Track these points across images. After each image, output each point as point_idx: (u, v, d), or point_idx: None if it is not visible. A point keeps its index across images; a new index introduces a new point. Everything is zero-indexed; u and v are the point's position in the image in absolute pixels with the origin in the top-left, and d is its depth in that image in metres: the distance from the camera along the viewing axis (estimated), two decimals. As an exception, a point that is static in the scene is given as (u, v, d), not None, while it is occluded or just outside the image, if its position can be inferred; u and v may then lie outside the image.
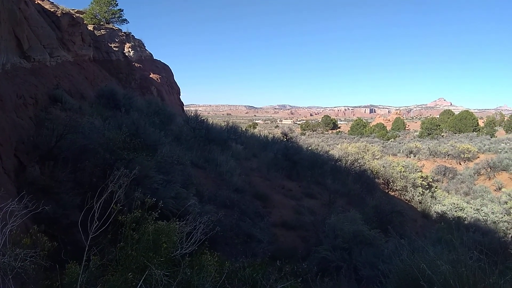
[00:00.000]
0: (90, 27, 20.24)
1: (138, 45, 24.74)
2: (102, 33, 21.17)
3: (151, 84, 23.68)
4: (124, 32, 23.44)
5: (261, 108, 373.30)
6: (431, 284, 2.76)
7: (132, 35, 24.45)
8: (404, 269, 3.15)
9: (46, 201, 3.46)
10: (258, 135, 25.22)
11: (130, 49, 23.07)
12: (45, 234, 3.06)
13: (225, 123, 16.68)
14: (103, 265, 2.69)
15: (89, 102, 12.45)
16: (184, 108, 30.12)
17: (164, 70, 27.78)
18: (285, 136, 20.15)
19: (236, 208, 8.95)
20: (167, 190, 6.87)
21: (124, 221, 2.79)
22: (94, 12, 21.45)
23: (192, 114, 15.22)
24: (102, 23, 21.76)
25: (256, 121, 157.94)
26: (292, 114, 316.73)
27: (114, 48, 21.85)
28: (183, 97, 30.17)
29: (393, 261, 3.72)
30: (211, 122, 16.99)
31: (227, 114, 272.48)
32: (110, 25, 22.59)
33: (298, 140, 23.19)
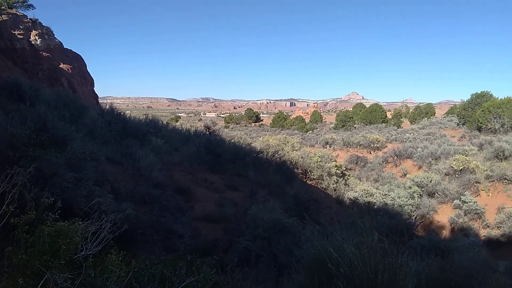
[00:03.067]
0: (-12, 12, 18.09)
1: (46, 33, 22.71)
2: (4, 18, 19.01)
3: (61, 74, 21.94)
4: (30, 19, 21.37)
5: (184, 101, 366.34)
6: (338, 266, 2.93)
7: (39, 22, 22.39)
8: (314, 254, 3.29)
9: None
10: (180, 128, 24.71)
11: (37, 37, 21.11)
12: None
13: (145, 116, 16.06)
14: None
15: (-12, 94, 11.12)
16: (99, 101, 28.48)
17: (76, 60, 25.90)
18: (207, 129, 20.02)
19: (156, 204, 8.65)
20: (79, 188, 6.40)
21: (17, 224, 2.51)
22: (-7, -4, 19.18)
23: (108, 107, 14.38)
24: (3, 7, 19.50)
25: (179, 114, 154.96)
26: (216, 107, 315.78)
27: (18, 36, 19.80)
28: (98, 89, 28.54)
29: (305, 246, 3.88)
30: (129, 115, 16.24)
31: (148, 107, 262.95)
32: (14, 11, 20.37)
33: (221, 133, 23.24)
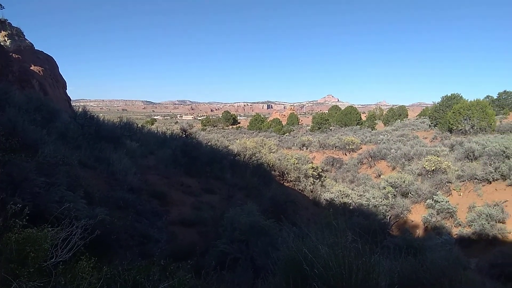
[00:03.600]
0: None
1: (16, 34, 22.02)
2: (-30, 19, 18.34)
3: (32, 77, 21.24)
4: (-1, 19, 20.67)
5: (159, 103, 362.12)
6: (313, 267, 2.96)
7: (9, 23, 21.70)
8: (290, 255, 3.31)
9: None
10: (156, 131, 24.40)
11: (6, 38, 20.45)
12: None
13: (119, 119, 15.75)
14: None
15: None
16: (72, 103, 27.75)
17: (48, 62, 25.16)
18: (184, 132, 19.83)
19: (131, 208, 8.50)
20: (50, 193, 6.21)
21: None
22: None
23: (80, 110, 14.04)
24: (-30, 8, 18.82)
25: (155, 117, 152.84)
26: (192, 109, 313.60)
27: (-15, 37, 19.12)
28: (71, 92, 27.84)
29: (281, 248, 3.89)
30: (103, 118, 15.90)
31: (123, 109, 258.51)
32: (-19, 11, 19.69)
33: (197, 135, 23.07)
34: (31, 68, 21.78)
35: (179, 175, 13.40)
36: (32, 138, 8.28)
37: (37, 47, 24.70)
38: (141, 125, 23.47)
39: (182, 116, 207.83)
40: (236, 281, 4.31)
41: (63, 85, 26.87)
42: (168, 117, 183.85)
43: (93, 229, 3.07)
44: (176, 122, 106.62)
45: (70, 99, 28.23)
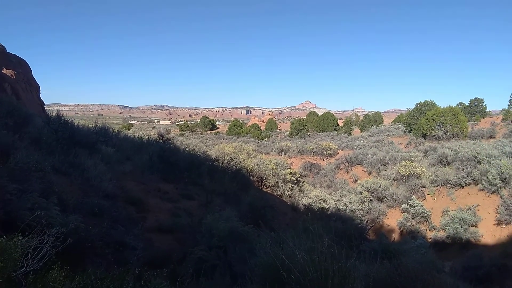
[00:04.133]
0: None
1: (-14, 36, 21.32)
2: None
3: (3, 80, 20.59)
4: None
5: (136, 108, 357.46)
6: (290, 272, 2.97)
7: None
8: (267, 261, 3.32)
9: None
10: (133, 136, 24.01)
11: (-25, 40, 19.76)
12: None
13: (95, 124, 15.44)
14: None
15: None
16: (46, 108, 27.02)
17: (21, 66, 24.46)
18: (161, 137, 19.59)
19: (107, 215, 8.31)
20: (22, 200, 6.02)
21: None
22: None
23: (54, 114, 13.67)
24: None
25: (131, 122, 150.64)
26: (170, 114, 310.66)
27: (-48, 38, 18.43)
28: (45, 96, 27.21)
29: (258, 254, 3.89)
30: (78, 123, 15.53)
31: (98, 114, 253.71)
32: None
33: (175, 141, 22.81)
34: (3, 71, 21.13)
35: (156, 181, 13.21)
36: (3, 143, 8.04)
37: (9, 50, 23.98)
38: (117, 130, 23.08)
39: (159, 121, 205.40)
40: (213, 288, 4.28)
41: (37, 89, 26.17)
42: (145, 122, 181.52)
43: (65, 237, 2.99)
44: (154, 127, 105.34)
45: (44, 104, 27.50)
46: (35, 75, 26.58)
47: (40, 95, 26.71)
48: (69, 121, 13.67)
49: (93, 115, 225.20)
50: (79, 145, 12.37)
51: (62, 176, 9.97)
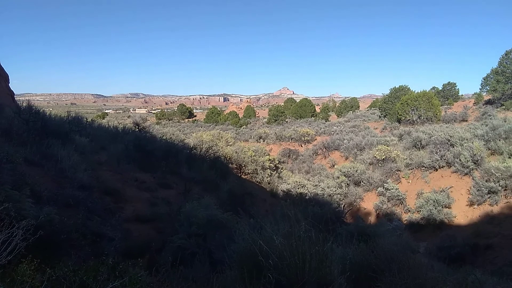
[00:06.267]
0: None
1: None
2: None
3: (-32, 70, 19.68)
4: None
5: (111, 96, 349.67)
6: (268, 258, 2.99)
7: None
8: (245, 247, 3.33)
9: None
10: (107, 125, 23.49)
11: None
12: None
13: (67, 113, 15.02)
14: None
15: None
16: (16, 98, 26.00)
17: (-14, 53, 23.45)
18: (137, 126, 19.28)
19: (82, 206, 8.15)
20: (-7, 193, 5.82)
21: None
22: None
23: (25, 105, 13.21)
24: None
25: (106, 111, 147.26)
26: (146, 103, 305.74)
27: None
28: (15, 86, 26.13)
29: (237, 240, 3.90)
30: (50, 113, 15.05)
31: (72, 103, 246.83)
32: None
33: (151, 129, 22.48)
34: (-33, 60, 20.19)
35: (133, 170, 13.02)
36: (-30, 135, 7.74)
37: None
38: (91, 120, 22.51)
39: (135, 110, 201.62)
40: (191, 276, 4.26)
41: (6, 78, 25.05)
42: (121, 111, 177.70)
43: (38, 230, 2.90)
44: (129, 116, 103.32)
45: (14, 93, 26.46)
46: (3, 64, 25.49)
47: (9, 84, 25.68)
48: (41, 111, 13.25)
49: (66, 104, 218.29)
50: (52, 135, 12.00)
51: (35, 167, 9.69)
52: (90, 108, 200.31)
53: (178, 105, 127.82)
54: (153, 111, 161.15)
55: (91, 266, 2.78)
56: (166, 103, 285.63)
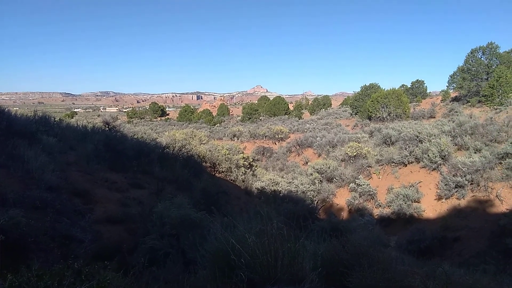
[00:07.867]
0: None
1: None
2: None
3: None
4: None
5: (80, 95, 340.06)
6: (240, 256, 3.00)
7: None
8: (217, 246, 3.33)
9: None
10: (76, 125, 22.85)
11: None
12: None
13: (34, 113, 14.52)
14: None
15: None
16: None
17: None
18: (107, 125, 18.82)
19: (50, 208, 7.89)
20: (-47, 197, 5.58)
21: None
22: None
23: (-13, 104, 12.67)
24: None
25: (75, 110, 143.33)
26: (117, 101, 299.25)
27: None
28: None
29: (209, 239, 3.89)
30: (15, 112, 14.49)
31: (39, 102, 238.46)
32: None
33: (122, 128, 22.01)
34: None
35: (103, 170, 12.71)
36: None
37: None
38: (60, 119, 21.81)
39: (105, 109, 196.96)
40: (163, 276, 4.22)
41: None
42: (90, 110, 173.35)
43: (1, 233, 2.79)
44: (99, 115, 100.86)
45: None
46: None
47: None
48: (6, 110, 12.74)
49: (33, 103, 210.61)
50: (18, 135, 11.57)
51: (0, 169, 9.33)
52: (59, 107, 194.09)
53: (150, 103, 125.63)
54: (124, 110, 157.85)
55: (56, 271, 2.70)
56: (138, 102, 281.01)
